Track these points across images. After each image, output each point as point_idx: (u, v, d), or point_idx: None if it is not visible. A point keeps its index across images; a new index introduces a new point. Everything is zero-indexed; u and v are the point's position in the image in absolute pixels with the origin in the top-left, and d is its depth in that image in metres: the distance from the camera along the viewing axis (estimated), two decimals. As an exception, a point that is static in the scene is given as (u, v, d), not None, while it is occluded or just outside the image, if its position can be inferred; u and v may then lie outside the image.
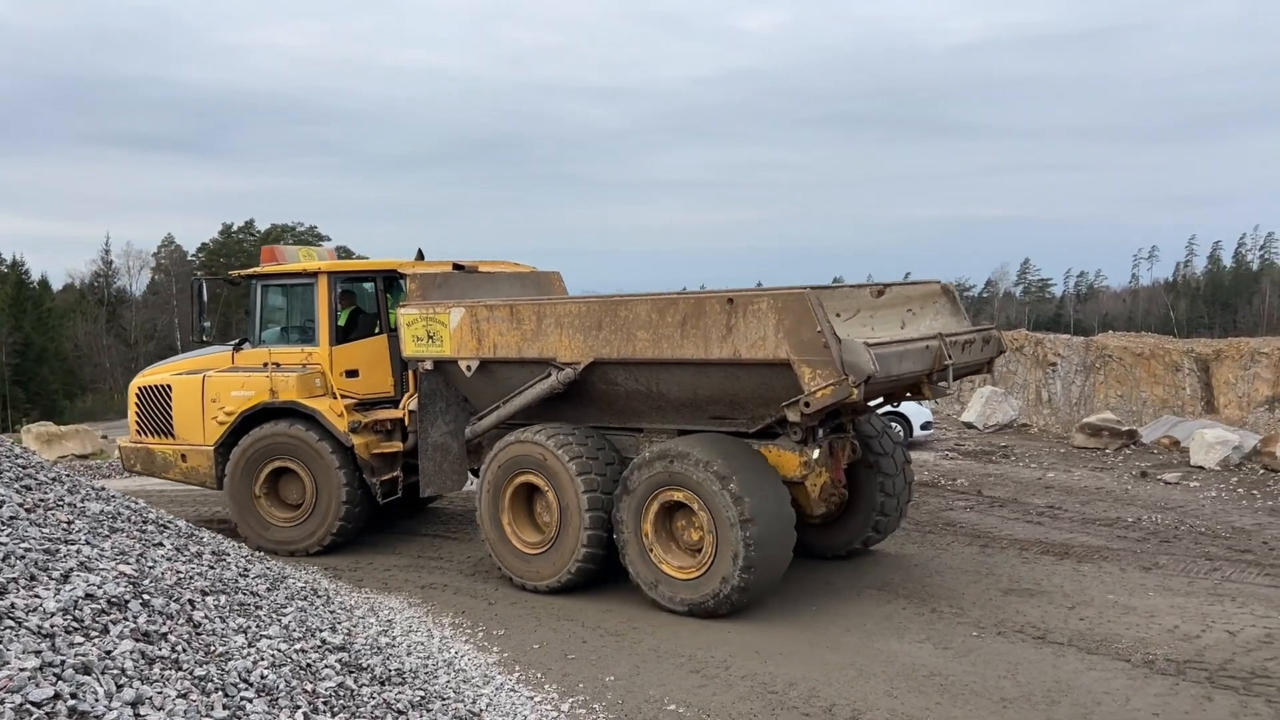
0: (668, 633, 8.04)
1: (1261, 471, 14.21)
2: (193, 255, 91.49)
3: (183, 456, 11.99)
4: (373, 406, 11.48)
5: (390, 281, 11.66)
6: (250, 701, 4.76)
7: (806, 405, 7.58)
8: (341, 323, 11.50)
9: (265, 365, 11.41)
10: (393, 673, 6.38)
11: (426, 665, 7.03)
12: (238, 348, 11.99)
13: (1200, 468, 14.73)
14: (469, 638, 8.08)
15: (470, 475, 10.75)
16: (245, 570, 7.61)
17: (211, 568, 7.03)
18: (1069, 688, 6.70)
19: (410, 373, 11.26)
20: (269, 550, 11.30)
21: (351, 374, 11.46)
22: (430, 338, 9.94)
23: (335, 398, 11.09)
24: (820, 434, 8.61)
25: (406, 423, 11.18)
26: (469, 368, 9.71)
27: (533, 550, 9.28)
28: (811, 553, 9.49)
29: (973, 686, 6.74)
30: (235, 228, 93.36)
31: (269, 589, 7.36)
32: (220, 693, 4.68)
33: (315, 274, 11.35)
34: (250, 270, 11.94)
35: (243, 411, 11.34)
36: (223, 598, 6.25)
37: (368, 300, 12.04)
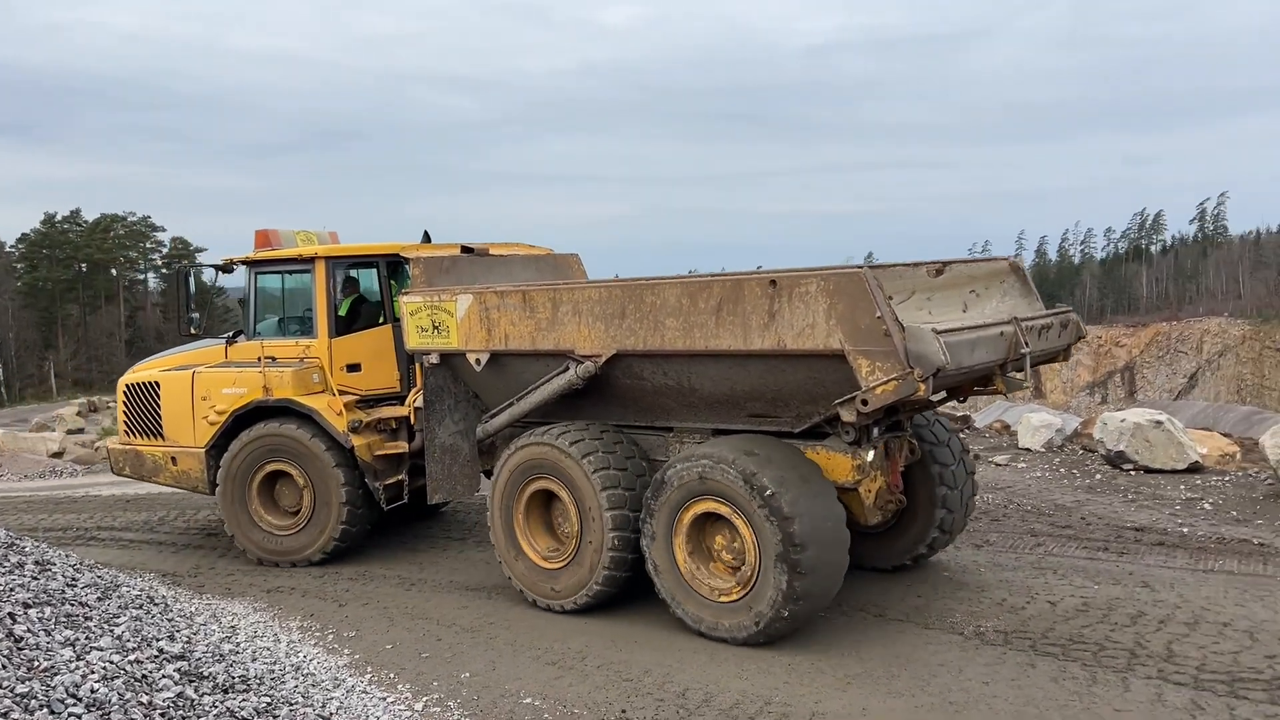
0: (525, 626, 8.07)
1: (1081, 452, 14.65)
2: (12, 246, 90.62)
3: (173, 459, 11.12)
4: (378, 403, 10.55)
5: (395, 267, 10.69)
6: (79, 717, 4.67)
7: (864, 403, 6.54)
8: (342, 312, 10.56)
9: (260, 360, 10.47)
10: (236, 680, 6.32)
11: (273, 671, 6.96)
12: (231, 341, 11.09)
13: (1027, 450, 15.17)
14: (318, 641, 7.97)
15: (484, 478, 9.79)
16: (73, 580, 7.34)
17: (35, 578, 6.73)
18: (908, 661, 6.99)
19: (417, 367, 10.33)
20: (267, 561, 10.41)
21: (353, 368, 10.52)
22: (436, 328, 8.95)
23: (335, 394, 10.15)
24: (875, 433, 7.56)
25: (413, 421, 10.24)
26: (478, 361, 8.72)
27: (552, 565, 8.30)
28: (858, 566, 8.41)
29: (818, 665, 6.97)
30: (60, 218, 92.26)
31: (100, 598, 7.16)
32: (45, 710, 4.57)
33: (312, 259, 10.40)
34: (243, 256, 11.01)
35: (234, 410, 10.42)
36: (47, 610, 6.04)
37: (370, 288, 11.09)
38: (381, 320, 10.68)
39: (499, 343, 8.51)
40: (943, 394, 7.94)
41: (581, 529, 8.01)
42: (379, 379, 10.63)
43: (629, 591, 8.17)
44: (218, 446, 10.66)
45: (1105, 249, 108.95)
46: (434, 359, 9.07)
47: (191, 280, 11.17)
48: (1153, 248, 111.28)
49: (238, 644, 7.50)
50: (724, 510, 7.20)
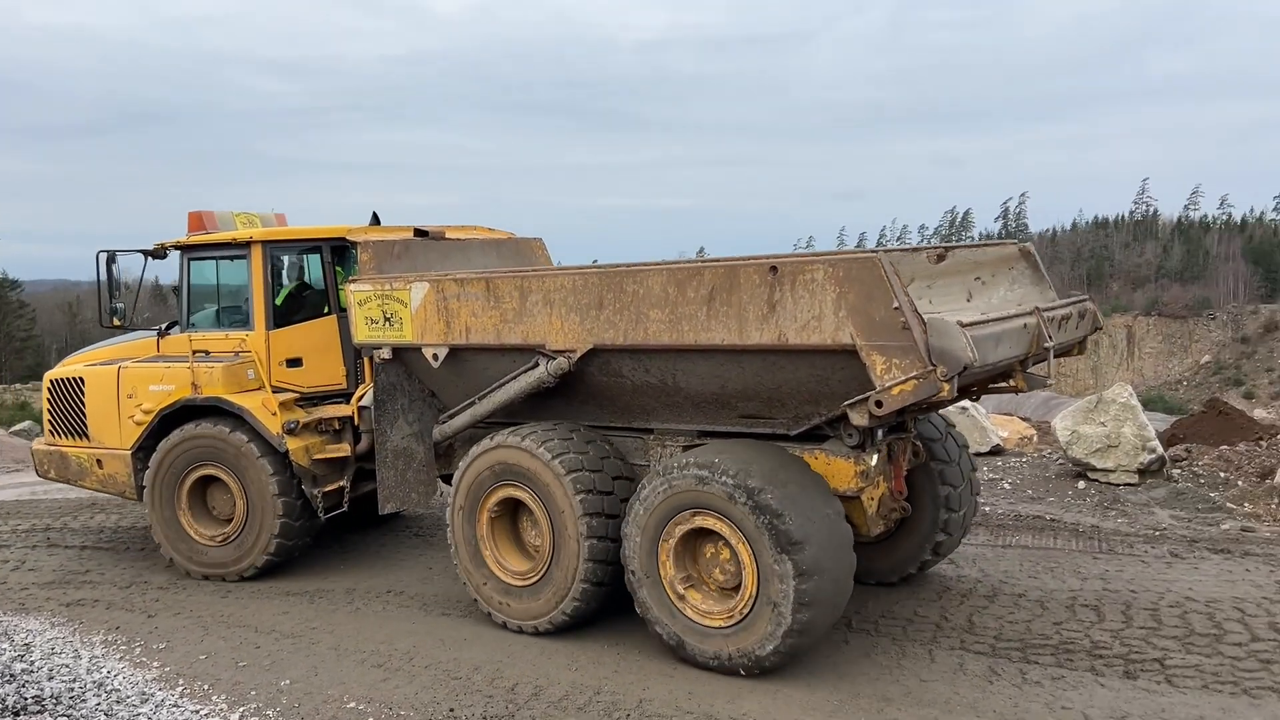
0: (349, 630, 7.85)
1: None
2: None
3: (98, 462, 10.09)
4: (321, 402, 9.61)
5: (340, 252, 9.74)
6: None
7: (878, 405, 5.79)
8: (279, 302, 9.58)
9: (192, 355, 9.49)
10: (29, 700, 6.13)
11: (72, 689, 6.74)
12: (164, 333, 10.09)
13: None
14: (124, 655, 7.57)
15: (441, 484, 8.94)
16: None
17: None
18: None
19: (366, 362, 9.42)
20: (197, 575, 9.45)
21: (294, 363, 9.55)
22: (387, 320, 8.06)
23: (272, 392, 9.20)
24: (879, 435, 6.84)
25: (357, 422, 9.32)
26: (435, 356, 7.85)
27: (521, 581, 7.47)
28: (860, 580, 7.67)
29: (648, 651, 7.01)
30: None
31: None
32: None
33: (248, 244, 9.42)
34: (175, 241, 9.99)
35: (161, 409, 9.43)
36: None
37: (313, 274, 10.12)
38: (326, 310, 9.74)
39: (459, 336, 7.65)
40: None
41: (555, 541, 7.19)
42: (323, 375, 9.69)
43: (452, 590, 8.30)
44: (145, 448, 9.67)
45: (921, 244, 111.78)
46: (385, 354, 8.19)
47: (115, 265, 10.08)
48: (963, 243, 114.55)
49: (32, 662, 7.26)
50: (716, 525, 6.43)
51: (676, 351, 6.64)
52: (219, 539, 9.40)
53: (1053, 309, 6.90)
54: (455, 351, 7.76)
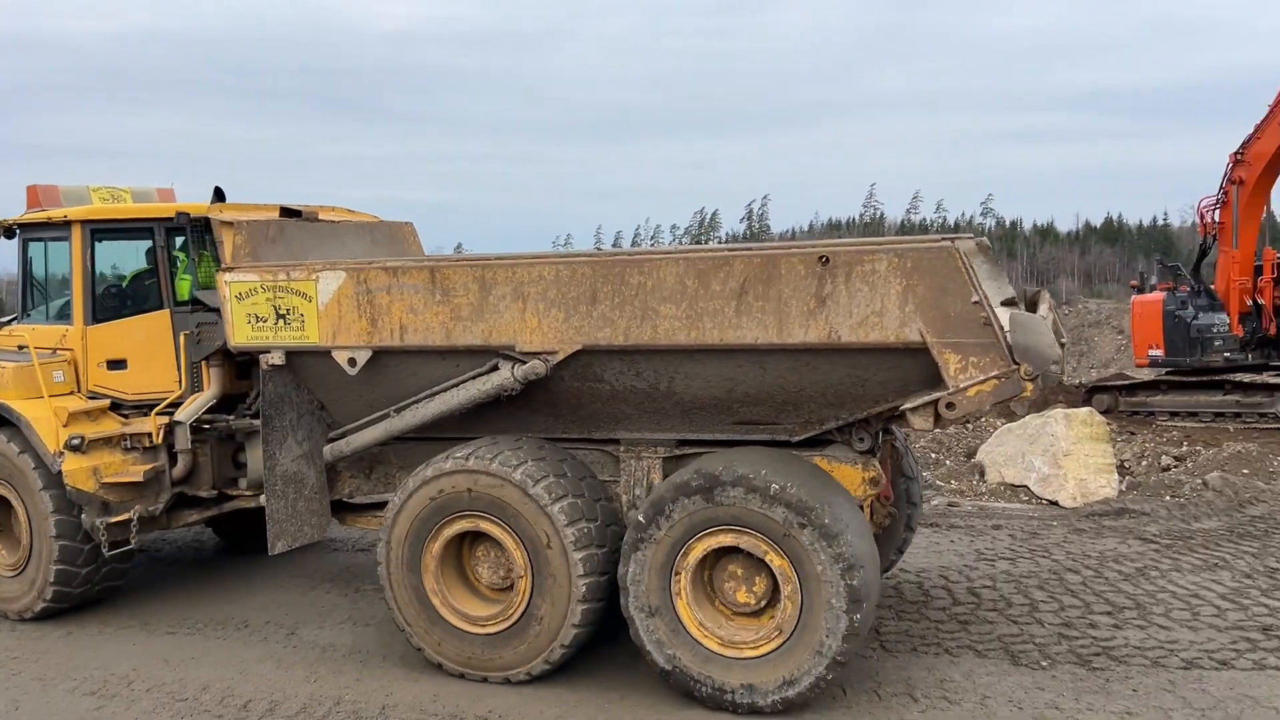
0: (59, 656, 7.22)
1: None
2: None
3: None
4: (151, 411, 7.97)
5: (174, 233, 8.01)
6: None
7: (950, 407, 5.33)
8: (126, 287, 7.97)
9: (20, 349, 7.94)
10: None
11: None
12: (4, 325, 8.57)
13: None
14: None
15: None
16: None
17: None
18: None
19: (204, 367, 7.81)
20: None
21: (116, 365, 7.88)
22: (281, 317, 6.58)
23: (88, 398, 7.58)
24: (880, 437, 6.42)
25: (156, 440, 7.78)
26: (353, 361, 6.49)
27: (488, 629, 6.31)
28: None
29: (392, 658, 6.87)
30: None
31: None
32: None
33: (66, 224, 7.68)
34: (13, 219, 8.29)
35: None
36: None
37: (144, 260, 8.30)
38: (160, 303, 7.98)
39: (389, 336, 6.35)
40: None
41: (534, 579, 6.13)
42: (150, 380, 7.95)
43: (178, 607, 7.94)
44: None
45: (671, 244, 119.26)
46: (276, 359, 6.68)
47: None
48: (711, 243, 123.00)
49: None
50: (748, 543, 5.70)
51: (686, 352, 5.83)
52: (10, 569, 7.88)
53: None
54: (378, 355, 6.46)
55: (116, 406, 7.94)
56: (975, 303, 5.21)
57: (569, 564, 5.99)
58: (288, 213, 7.68)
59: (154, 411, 7.84)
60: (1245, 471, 11.39)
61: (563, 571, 6.02)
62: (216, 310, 7.46)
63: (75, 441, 7.41)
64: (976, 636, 6.88)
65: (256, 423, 7.92)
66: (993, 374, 5.23)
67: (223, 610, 8.04)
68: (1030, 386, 5.21)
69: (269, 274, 6.58)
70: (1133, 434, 14.59)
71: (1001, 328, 5.20)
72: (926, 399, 5.42)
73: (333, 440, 7.11)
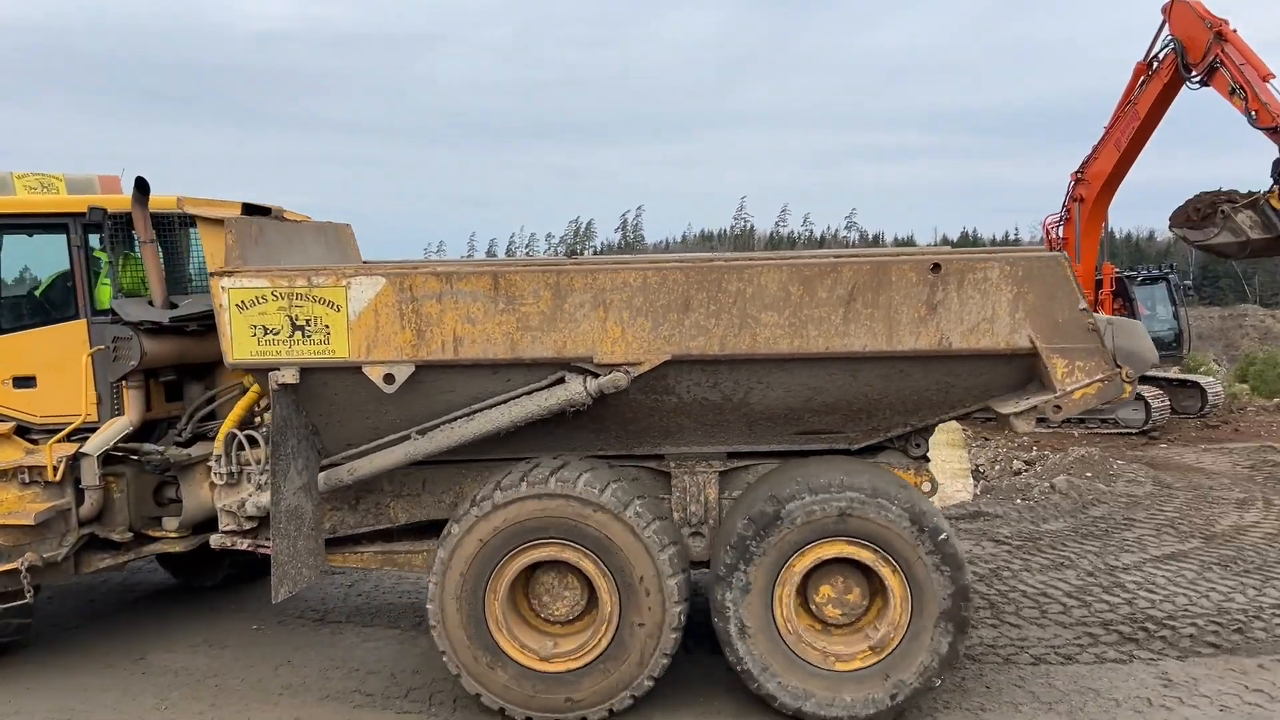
0: None
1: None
2: None
3: None
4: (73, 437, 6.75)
5: (91, 228, 6.79)
6: None
7: (1056, 409, 5.53)
8: (40, 293, 6.68)
9: None
10: None
11: None
12: None
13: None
14: None
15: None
16: None
17: None
18: (342, 662, 7.04)
19: (124, 389, 6.71)
20: None
21: (23, 382, 6.69)
22: (299, 330, 5.71)
23: None
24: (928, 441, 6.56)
25: (53, 476, 6.64)
26: (390, 378, 5.75)
27: (562, 665, 5.78)
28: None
29: (250, 680, 6.79)
30: None
31: None
32: None
33: None
34: None
35: None
36: None
37: (55, 260, 6.96)
38: (72, 312, 6.71)
39: (441, 349, 5.68)
40: None
41: (622, 608, 5.70)
42: (61, 401, 6.76)
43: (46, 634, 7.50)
44: None
45: (546, 252, 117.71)
46: (289, 377, 5.78)
47: None
48: (587, 252, 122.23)
49: None
50: (864, 556, 5.63)
51: (776, 361, 5.66)
52: None
53: None
54: (423, 369, 5.76)
55: (24, 431, 6.62)
56: (1082, 310, 5.45)
57: (664, 591, 5.64)
58: (251, 210, 6.71)
59: (52, 440, 6.62)
60: (1089, 474, 12.63)
61: (657, 600, 5.66)
62: (136, 324, 6.47)
63: None
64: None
65: (189, 452, 6.93)
66: (1097, 377, 5.48)
67: (63, 635, 7.63)
68: (1130, 388, 5.51)
69: (283, 280, 5.68)
70: (987, 439, 15.79)
71: (1107, 333, 5.46)
72: (1032, 403, 5.58)
73: (328, 468, 6.27)
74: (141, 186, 6.86)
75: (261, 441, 6.63)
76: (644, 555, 5.64)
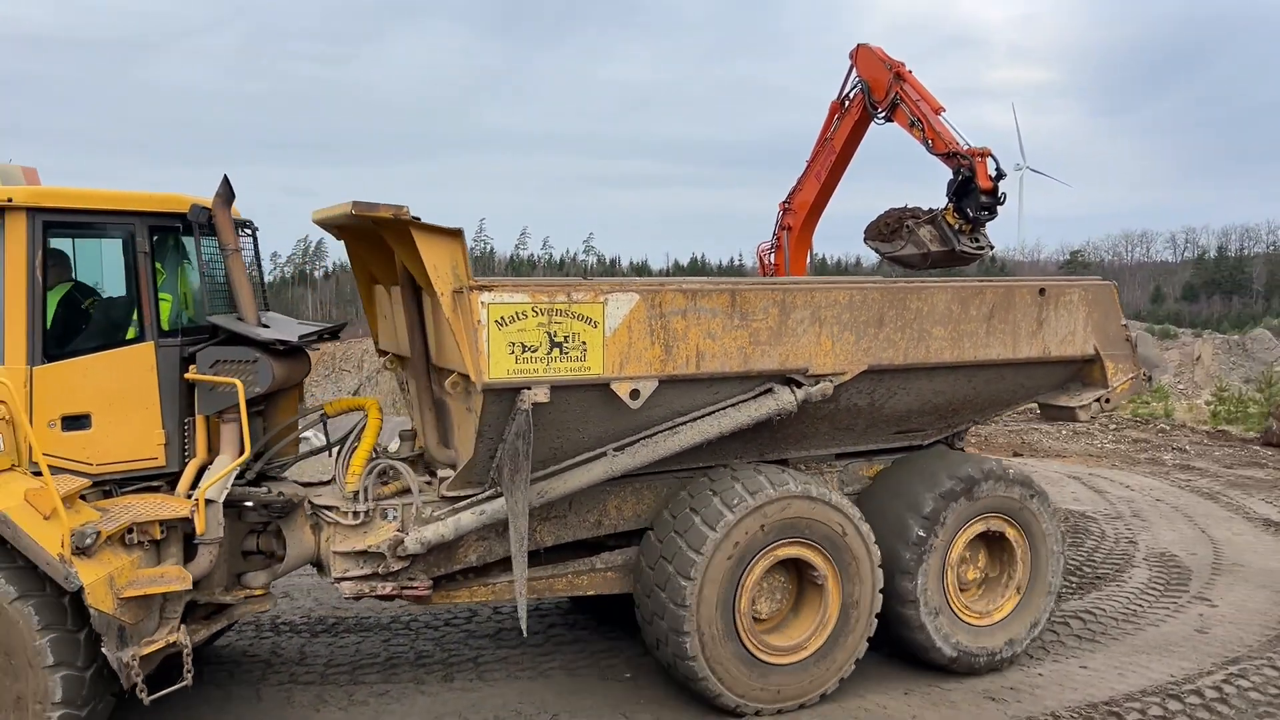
0: None
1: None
2: None
3: None
4: (127, 488, 5.78)
5: (167, 234, 5.82)
6: None
7: (1107, 401, 7.26)
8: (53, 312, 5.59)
9: None
10: None
11: None
12: None
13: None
14: None
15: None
16: None
17: None
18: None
19: (200, 422, 5.87)
20: None
21: (75, 422, 5.51)
22: (557, 346, 5.57)
23: (40, 474, 5.22)
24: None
25: (200, 530, 5.65)
26: (635, 394, 5.81)
27: (786, 657, 6.26)
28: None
29: (203, 694, 6.50)
30: None
31: None
32: None
33: (3, 210, 5.30)
34: None
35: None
36: None
37: (110, 271, 5.64)
38: (132, 333, 5.65)
39: (684, 364, 5.90)
40: None
41: (844, 600, 6.36)
42: (125, 445, 5.70)
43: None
44: None
45: (273, 272, 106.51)
46: (541, 396, 5.57)
47: None
48: (316, 273, 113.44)
49: None
50: (1009, 531, 6.94)
51: (925, 370, 6.72)
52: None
53: None
54: (665, 384, 5.91)
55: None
56: (1123, 325, 7.26)
57: (874, 575, 6.48)
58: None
59: (183, 485, 5.58)
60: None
61: (869, 582, 6.46)
62: (266, 344, 5.77)
63: (86, 538, 4.99)
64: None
65: (303, 490, 6.21)
66: (1130, 376, 7.32)
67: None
68: (1148, 385, 7.43)
69: (543, 295, 5.49)
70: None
71: (1135, 343, 7.33)
72: (1093, 396, 7.27)
73: (545, 482, 6.03)
74: (226, 189, 5.98)
75: (406, 472, 6.10)
76: (860, 545, 6.43)
